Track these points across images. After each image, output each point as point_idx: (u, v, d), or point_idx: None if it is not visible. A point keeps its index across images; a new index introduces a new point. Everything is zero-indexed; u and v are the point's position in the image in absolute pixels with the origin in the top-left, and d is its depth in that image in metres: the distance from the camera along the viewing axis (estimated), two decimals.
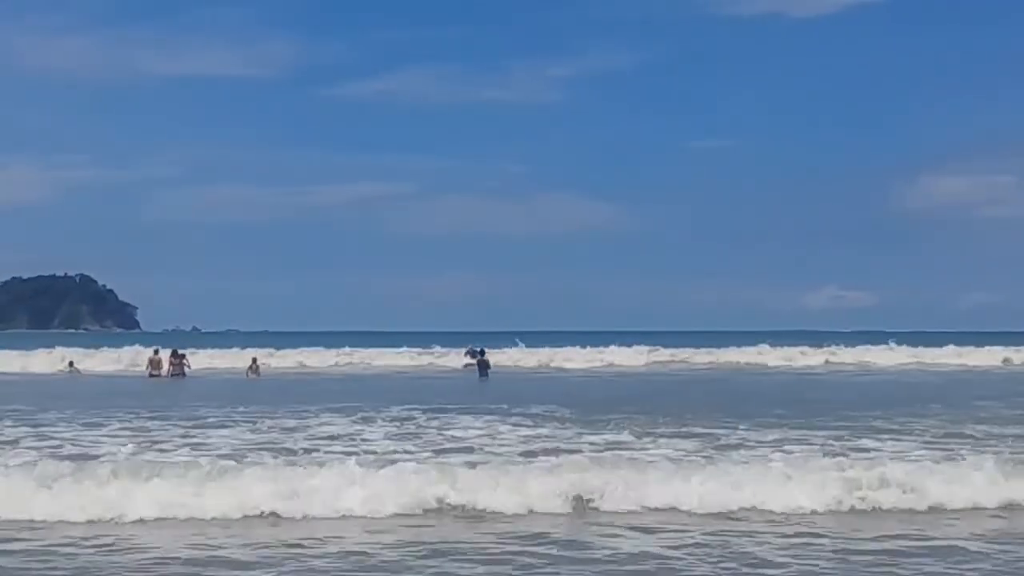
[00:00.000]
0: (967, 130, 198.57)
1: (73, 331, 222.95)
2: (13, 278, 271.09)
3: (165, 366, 42.67)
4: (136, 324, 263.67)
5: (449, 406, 24.69)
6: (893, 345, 61.58)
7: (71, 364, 47.37)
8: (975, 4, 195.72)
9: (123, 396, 28.99)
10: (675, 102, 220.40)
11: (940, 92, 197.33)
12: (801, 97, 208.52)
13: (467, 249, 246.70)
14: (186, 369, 42.89)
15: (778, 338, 74.67)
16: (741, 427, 19.64)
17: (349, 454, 14.87)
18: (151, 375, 42.15)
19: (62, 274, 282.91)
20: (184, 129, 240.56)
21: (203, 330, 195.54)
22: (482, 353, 45.34)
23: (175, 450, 16.35)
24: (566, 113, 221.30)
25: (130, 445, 16.63)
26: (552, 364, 53.67)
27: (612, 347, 60.18)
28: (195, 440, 17.87)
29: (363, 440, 17.88)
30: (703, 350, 59.95)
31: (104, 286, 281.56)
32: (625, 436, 18.16)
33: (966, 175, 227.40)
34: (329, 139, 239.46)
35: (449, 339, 65.40)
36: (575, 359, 55.15)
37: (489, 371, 42.74)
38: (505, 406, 24.48)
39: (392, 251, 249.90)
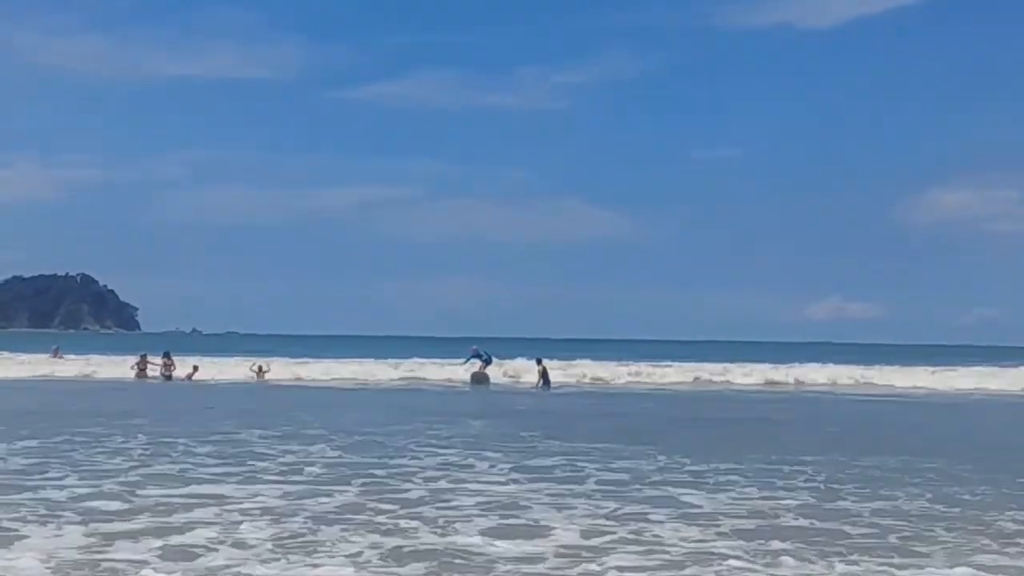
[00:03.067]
0: (973, 144, 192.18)
1: (73, 331, 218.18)
2: (14, 277, 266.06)
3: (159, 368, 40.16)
4: (136, 325, 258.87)
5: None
6: None
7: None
8: (982, 18, 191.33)
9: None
10: (680, 111, 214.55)
11: (947, 105, 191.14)
12: (807, 108, 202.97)
13: (471, 254, 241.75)
14: (172, 372, 39.67)
15: (786, 350, 71.34)
16: None
17: None
18: (136, 374, 39.86)
19: (63, 274, 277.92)
20: (189, 130, 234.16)
21: (203, 332, 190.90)
22: (539, 362, 38.59)
23: None
24: (571, 120, 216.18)
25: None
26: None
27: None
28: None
29: None
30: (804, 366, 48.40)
31: (105, 286, 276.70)
32: None
33: (971, 189, 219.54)
34: (335, 142, 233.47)
35: (453, 344, 61.37)
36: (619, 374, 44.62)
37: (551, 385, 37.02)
38: None
39: (395, 255, 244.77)
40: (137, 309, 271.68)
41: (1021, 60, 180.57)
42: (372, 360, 47.77)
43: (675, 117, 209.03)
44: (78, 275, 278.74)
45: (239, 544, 8.79)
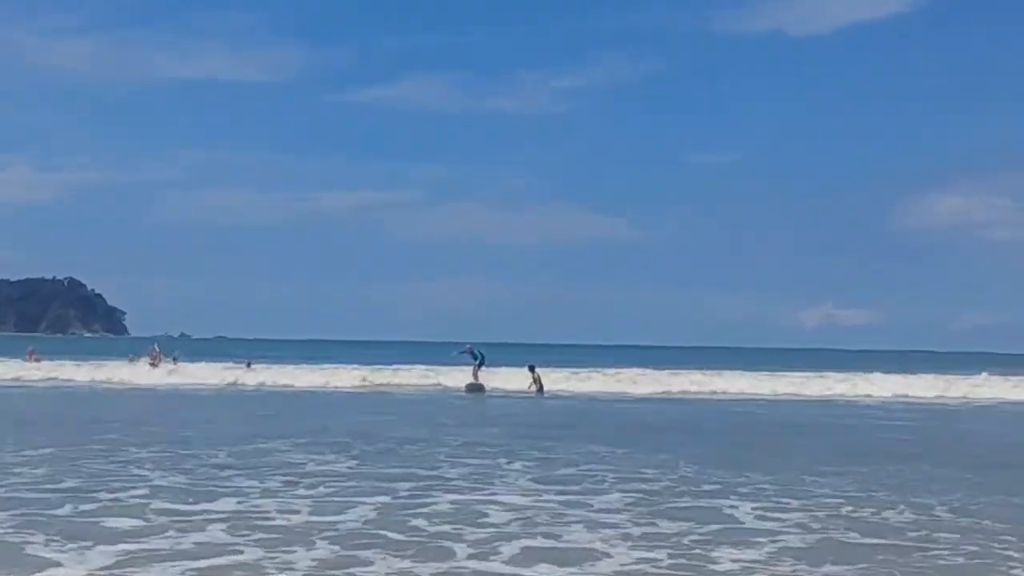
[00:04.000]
0: (967, 152, 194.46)
1: (61, 335, 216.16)
2: (1, 280, 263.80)
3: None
4: (124, 329, 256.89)
5: None
6: None
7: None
8: (976, 25, 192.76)
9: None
10: (678, 116, 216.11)
11: (941, 113, 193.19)
12: (803, 114, 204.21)
13: (470, 257, 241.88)
14: (159, 362, 42.80)
15: (780, 356, 70.98)
16: None
17: None
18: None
19: (50, 277, 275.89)
20: (188, 133, 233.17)
21: (192, 336, 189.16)
22: (532, 369, 37.89)
23: None
24: (570, 123, 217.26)
25: None
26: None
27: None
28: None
29: None
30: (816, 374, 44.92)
31: (92, 290, 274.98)
32: None
33: (965, 196, 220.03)
34: (334, 145, 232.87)
35: (453, 349, 60.13)
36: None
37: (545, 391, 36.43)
38: None
39: (395, 258, 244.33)
40: (125, 313, 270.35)
41: (1013, 72, 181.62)
42: (375, 365, 46.46)
43: (673, 121, 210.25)
44: (65, 279, 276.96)
45: (270, 569, 8.12)
